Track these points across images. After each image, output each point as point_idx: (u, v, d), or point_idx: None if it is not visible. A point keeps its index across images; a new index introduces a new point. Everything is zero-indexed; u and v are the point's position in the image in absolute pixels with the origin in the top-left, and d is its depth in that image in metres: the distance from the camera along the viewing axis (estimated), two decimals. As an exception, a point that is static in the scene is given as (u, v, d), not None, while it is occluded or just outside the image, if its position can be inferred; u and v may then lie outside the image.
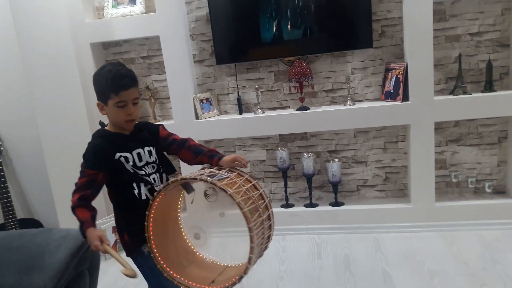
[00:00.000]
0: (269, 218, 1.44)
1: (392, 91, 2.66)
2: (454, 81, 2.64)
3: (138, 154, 1.55)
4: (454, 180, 2.78)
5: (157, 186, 1.55)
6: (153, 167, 1.58)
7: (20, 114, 2.43)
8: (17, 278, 1.58)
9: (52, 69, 2.64)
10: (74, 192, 1.51)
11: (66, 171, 2.65)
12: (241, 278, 1.36)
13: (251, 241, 1.31)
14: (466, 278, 2.16)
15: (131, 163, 1.52)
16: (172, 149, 1.62)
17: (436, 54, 2.59)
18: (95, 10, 3.02)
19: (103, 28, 2.88)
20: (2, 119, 2.42)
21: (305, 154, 2.86)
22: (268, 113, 2.86)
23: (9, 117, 2.42)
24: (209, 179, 1.35)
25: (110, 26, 2.87)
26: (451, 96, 2.59)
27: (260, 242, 1.38)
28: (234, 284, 1.39)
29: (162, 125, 1.68)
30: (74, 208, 1.50)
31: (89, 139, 1.52)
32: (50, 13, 2.68)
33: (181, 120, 2.85)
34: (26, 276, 1.58)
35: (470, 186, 2.76)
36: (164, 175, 1.62)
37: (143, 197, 1.51)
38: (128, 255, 1.60)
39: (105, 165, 1.50)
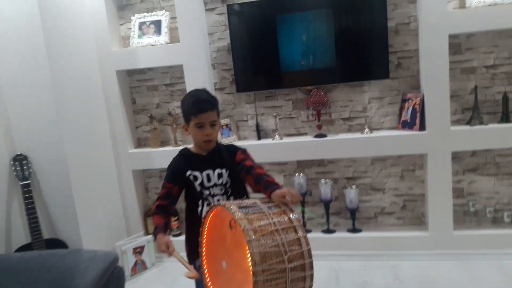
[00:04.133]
0: (302, 268, 1.27)
1: (409, 120, 2.72)
2: (470, 112, 2.69)
3: (208, 175, 1.67)
4: (472, 209, 2.79)
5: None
6: (221, 189, 1.68)
7: (48, 138, 2.52)
8: (49, 298, 1.63)
9: (79, 95, 2.75)
10: (156, 200, 1.71)
11: (90, 193, 2.75)
12: None
13: (254, 287, 1.19)
14: (486, 308, 2.16)
15: (199, 181, 1.66)
16: (241, 174, 1.63)
17: (452, 86, 2.66)
18: (121, 39, 3.16)
19: (128, 57, 3.02)
20: (32, 142, 2.52)
21: (322, 180, 2.90)
22: (286, 140, 2.93)
23: (38, 140, 2.52)
24: (232, 209, 1.30)
25: (135, 54, 3.00)
26: (467, 127, 2.64)
27: None
28: None
29: (244, 149, 1.74)
30: (153, 214, 1.70)
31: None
32: (80, 41, 2.82)
33: (202, 145, 2.93)
34: (58, 295, 1.63)
35: (488, 215, 2.77)
36: (232, 198, 1.69)
37: (205, 213, 1.55)
38: (188, 263, 1.71)
39: (179, 180, 1.69)
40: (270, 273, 1.21)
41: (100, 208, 2.87)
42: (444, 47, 2.54)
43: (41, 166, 2.56)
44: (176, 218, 3.14)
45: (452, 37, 2.59)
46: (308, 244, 1.29)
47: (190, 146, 1.77)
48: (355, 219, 2.91)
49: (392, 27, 2.74)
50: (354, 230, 2.91)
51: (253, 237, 1.21)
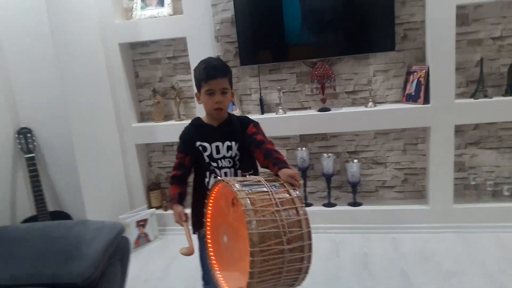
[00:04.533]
0: (301, 250, 1.28)
1: (413, 93, 2.70)
2: (475, 84, 2.67)
3: (217, 147, 1.66)
4: (472, 182, 2.81)
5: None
6: (230, 162, 1.67)
7: (52, 111, 2.52)
8: (57, 267, 1.67)
9: (83, 68, 2.74)
10: (172, 170, 1.77)
11: (94, 166, 2.77)
12: None
13: (250, 266, 1.19)
14: (484, 279, 2.20)
15: (207, 153, 1.67)
16: (251, 147, 1.62)
17: (457, 58, 2.62)
18: (124, 11, 3.11)
19: (131, 29, 2.98)
20: (36, 115, 2.52)
21: (325, 154, 2.91)
22: (290, 114, 2.93)
23: (42, 114, 2.52)
24: (235, 186, 1.29)
25: (138, 27, 2.97)
26: (472, 100, 2.63)
27: (275, 272, 1.26)
28: None
29: (256, 123, 1.71)
30: (170, 184, 1.76)
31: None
32: (82, 14, 2.79)
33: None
34: (66, 265, 1.67)
35: (488, 189, 2.78)
36: (239, 171, 1.68)
37: (210, 187, 1.53)
38: (193, 233, 1.76)
39: (189, 150, 1.71)
40: (268, 254, 1.22)
41: (104, 182, 2.90)
42: (451, 18, 2.50)
43: (45, 139, 2.57)
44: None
45: (459, 7, 2.54)
46: (308, 226, 1.29)
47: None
48: (356, 192, 2.93)
49: (399, -3, 2.69)
50: (355, 203, 2.94)
51: (253, 217, 1.22)
